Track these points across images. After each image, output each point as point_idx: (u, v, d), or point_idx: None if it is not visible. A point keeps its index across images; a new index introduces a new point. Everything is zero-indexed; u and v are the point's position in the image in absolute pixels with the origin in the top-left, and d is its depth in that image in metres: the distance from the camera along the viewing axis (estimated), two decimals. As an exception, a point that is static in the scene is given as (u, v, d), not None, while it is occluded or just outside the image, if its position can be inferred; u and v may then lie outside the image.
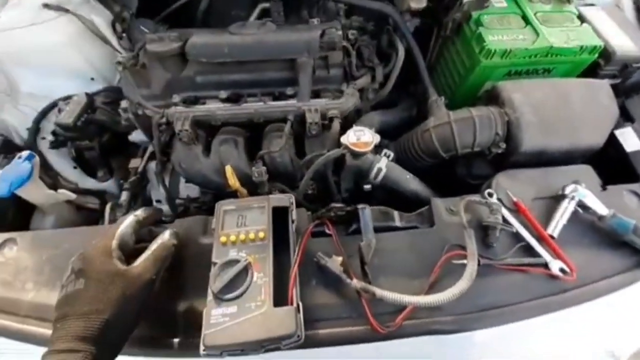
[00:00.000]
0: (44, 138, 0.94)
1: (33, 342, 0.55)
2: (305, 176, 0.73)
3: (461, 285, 0.52)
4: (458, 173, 0.86)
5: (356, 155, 0.70)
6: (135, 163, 0.94)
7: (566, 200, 0.64)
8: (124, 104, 0.81)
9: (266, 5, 0.90)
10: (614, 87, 0.81)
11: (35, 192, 0.81)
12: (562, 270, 0.59)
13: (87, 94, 0.89)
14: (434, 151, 0.79)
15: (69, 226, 0.82)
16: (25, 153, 0.78)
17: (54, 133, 0.92)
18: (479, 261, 0.55)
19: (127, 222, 0.53)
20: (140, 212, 0.56)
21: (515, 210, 0.65)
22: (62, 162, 0.96)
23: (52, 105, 0.92)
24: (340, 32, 0.76)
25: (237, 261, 0.51)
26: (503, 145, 0.75)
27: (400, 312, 0.53)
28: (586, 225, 0.64)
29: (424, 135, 0.80)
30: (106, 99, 0.93)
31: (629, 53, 0.87)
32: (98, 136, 0.93)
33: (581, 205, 0.64)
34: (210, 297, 0.49)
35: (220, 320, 0.46)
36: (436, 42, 1.03)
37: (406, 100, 0.99)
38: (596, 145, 0.75)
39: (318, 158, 0.71)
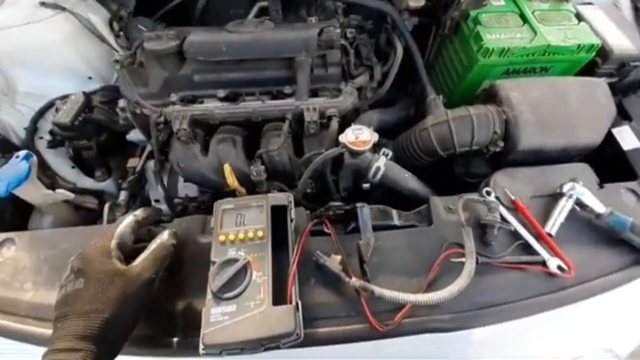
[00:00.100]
0: (41, 137, 0.93)
1: (32, 342, 0.55)
2: (303, 175, 0.72)
3: (459, 283, 0.52)
4: (456, 171, 0.86)
5: (355, 154, 0.71)
6: (133, 162, 0.93)
7: (564, 199, 0.65)
8: (121, 103, 0.81)
9: (264, 3, 0.90)
10: (611, 85, 0.81)
11: (33, 192, 0.80)
12: (560, 268, 0.59)
13: (84, 93, 0.89)
14: (432, 150, 0.79)
15: (67, 226, 0.81)
16: (22, 153, 0.77)
17: (51, 132, 0.91)
18: (477, 259, 0.56)
19: (127, 222, 0.53)
20: (139, 212, 0.56)
21: (513, 208, 0.65)
22: (59, 162, 0.95)
23: (50, 105, 0.91)
24: (338, 31, 0.75)
25: (236, 260, 0.51)
26: (501, 144, 0.75)
27: (399, 310, 0.54)
28: (584, 223, 0.65)
29: (422, 133, 0.80)
30: (104, 98, 0.92)
31: (626, 52, 0.87)
32: (96, 135, 0.92)
33: (579, 203, 0.64)
34: (209, 296, 0.49)
35: (220, 319, 0.46)
36: (434, 41, 1.03)
37: (404, 99, 0.99)
38: (593, 144, 0.75)
39: (316, 157, 0.71)
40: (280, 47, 0.75)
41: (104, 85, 0.97)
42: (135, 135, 0.92)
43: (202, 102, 0.78)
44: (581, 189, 0.65)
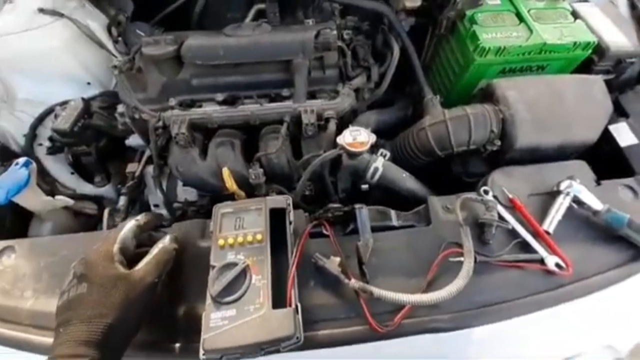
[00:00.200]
0: (40, 144, 0.94)
1: (33, 350, 0.55)
2: (302, 177, 0.73)
3: (458, 282, 0.52)
4: (454, 171, 0.87)
5: (352, 155, 0.71)
6: (132, 167, 0.94)
7: (561, 196, 0.65)
8: (120, 108, 0.82)
9: (262, 6, 0.91)
10: (607, 82, 0.81)
11: (33, 199, 0.80)
12: (558, 265, 0.59)
13: (83, 99, 0.89)
14: (430, 150, 0.79)
15: (67, 232, 0.82)
16: (22, 160, 0.78)
17: (50, 139, 0.92)
18: (475, 258, 0.56)
19: (128, 227, 0.54)
20: (141, 217, 0.57)
21: (511, 207, 0.65)
22: (59, 168, 0.96)
23: (49, 111, 0.92)
24: (335, 33, 0.76)
25: (235, 264, 0.51)
26: (498, 143, 0.75)
27: (398, 311, 0.54)
28: (581, 220, 0.65)
29: (419, 134, 0.80)
30: (103, 104, 0.93)
31: (622, 49, 0.88)
32: (95, 141, 0.92)
33: (576, 200, 0.64)
34: (208, 300, 0.49)
35: (220, 324, 0.46)
36: (431, 41, 1.03)
37: (402, 99, 1.00)
38: (590, 141, 0.75)
39: (315, 159, 0.71)
40: (278, 50, 0.75)
41: (102, 90, 0.98)
42: (134, 140, 0.93)
43: (200, 106, 0.78)
44: (578, 186, 0.65)
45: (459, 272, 0.53)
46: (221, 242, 0.54)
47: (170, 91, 0.78)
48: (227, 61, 0.74)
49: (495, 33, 0.84)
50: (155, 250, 0.53)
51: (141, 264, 0.51)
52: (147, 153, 0.95)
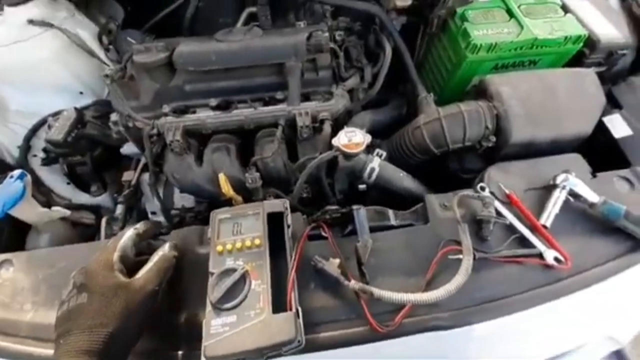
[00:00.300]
0: (35, 155, 0.93)
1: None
2: (299, 180, 0.73)
3: (458, 280, 0.52)
4: (450, 168, 0.87)
5: (348, 156, 0.71)
6: (128, 176, 0.94)
7: (557, 190, 0.65)
8: (114, 117, 0.81)
9: (253, 9, 0.90)
10: (600, 75, 0.82)
11: (29, 211, 0.80)
12: (556, 259, 0.59)
13: (76, 109, 0.89)
14: (426, 148, 0.79)
15: (64, 243, 0.81)
16: (17, 172, 0.77)
17: (44, 150, 0.91)
18: (474, 255, 0.56)
19: (128, 235, 0.54)
20: (140, 226, 0.57)
21: (508, 202, 0.65)
22: (54, 179, 0.95)
23: (42, 122, 0.91)
24: (326, 34, 0.76)
25: (234, 270, 0.51)
26: (493, 139, 0.76)
27: (399, 310, 0.54)
28: (578, 213, 0.65)
29: (414, 132, 0.81)
30: (96, 113, 0.92)
31: (613, 40, 0.88)
32: (90, 151, 0.92)
33: (572, 193, 0.65)
34: (209, 307, 0.49)
35: (220, 330, 0.46)
36: (423, 40, 1.04)
37: (396, 98, 1.00)
38: (584, 134, 0.76)
39: (311, 161, 0.71)
40: (270, 53, 0.75)
41: (95, 99, 0.97)
42: (129, 148, 0.92)
43: (194, 112, 0.78)
44: (574, 179, 0.65)
45: (458, 270, 0.54)
46: (219, 248, 0.54)
47: (163, 98, 0.78)
48: (219, 66, 0.74)
49: (486, 30, 0.84)
50: (155, 258, 0.53)
51: (141, 272, 0.50)
52: (143, 161, 0.95)
